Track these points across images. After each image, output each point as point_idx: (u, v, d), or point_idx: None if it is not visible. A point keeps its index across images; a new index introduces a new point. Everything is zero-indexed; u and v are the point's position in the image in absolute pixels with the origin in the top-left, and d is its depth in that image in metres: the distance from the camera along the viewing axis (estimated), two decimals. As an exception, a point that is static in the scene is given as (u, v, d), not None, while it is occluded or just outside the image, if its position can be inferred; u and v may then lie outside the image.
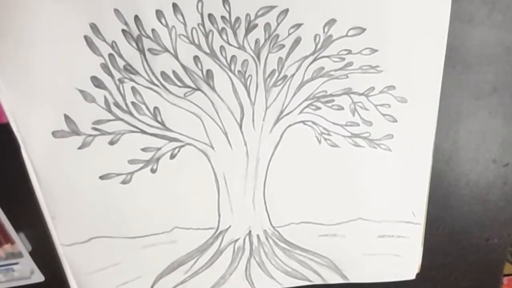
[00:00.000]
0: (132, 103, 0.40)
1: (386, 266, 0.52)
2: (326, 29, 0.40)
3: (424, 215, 0.50)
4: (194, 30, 0.39)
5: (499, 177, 0.52)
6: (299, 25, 0.40)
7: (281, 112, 0.43)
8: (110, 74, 0.39)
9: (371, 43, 0.41)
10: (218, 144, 0.43)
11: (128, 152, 0.42)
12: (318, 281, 0.52)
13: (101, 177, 0.42)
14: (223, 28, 0.39)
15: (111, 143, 0.41)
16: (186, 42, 0.39)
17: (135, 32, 0.37)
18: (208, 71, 0.40)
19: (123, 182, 0.42)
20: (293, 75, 0.42)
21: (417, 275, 0.53)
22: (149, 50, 0.38)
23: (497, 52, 0.45)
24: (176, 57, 0.39)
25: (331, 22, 0.40)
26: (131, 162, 0.42)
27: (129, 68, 0.39)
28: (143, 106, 0.40)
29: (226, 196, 0.46)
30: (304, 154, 0.45)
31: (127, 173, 0.42)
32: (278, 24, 0.39)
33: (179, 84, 0.40)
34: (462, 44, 0.45)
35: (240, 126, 0.43)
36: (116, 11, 0.37)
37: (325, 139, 0.45)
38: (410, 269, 0.53)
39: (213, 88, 0.41)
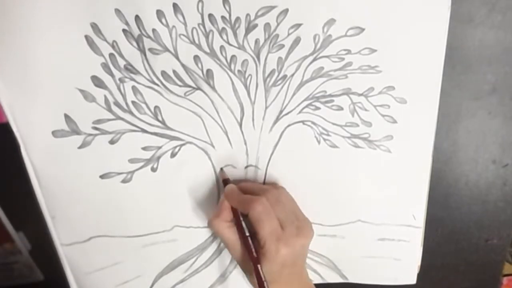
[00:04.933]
0: (133, 102, 0.40)
1: (385, 269, 0.52)
2: (325, 29, 0.40)
3: (424, 218, 0.50)
4: (194, 30, 0.39)
5: (498, 178, 0.52)
6: (298, 25, 0.40)
7: (281, 111, 0.43)
8: (111, 73, 0.39)
9: (370, 43, 0.41)
10: (219, 142, 0.43)
11: (129, 151, 0.42)
12: (317, 279, 0.52)
13: (102, 176, 0.42)
14: (223, 28, 0.39)
15: (112, 142, 0.41)
16: (187, 42, 0.39)
17: (136, 32, 0.38)
18: (208, 70, 0.40)
19: (124, 181, 0.42)
20: (292, 75, 0.42)
21: (417, 275, 0.53)
22: (150, 49, 0.38)
23: (497, 52, 0.46)
24: (177, 57, 0.39)
25: (331, 22, 0.40)
26: (132, 161, 0.42)
27: (129, 68, 0.39)
28: (143, 105, 0.40)
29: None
30: (303, 154, 0.45)
31: (127, 172, 0.42)
32: (278, 24, 0.39)
33: (179, 83, 0.40)
34: (462, 45, 0.45)
35: (240, 125, 0.43)
36: (117, 11, 0.37)
37: (325, 140, 0.45)
38: (410, 274, 0.53)
39: (213, 88, 0.41)
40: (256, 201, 0.39)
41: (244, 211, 0.40)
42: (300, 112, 0.44)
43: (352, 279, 0.52)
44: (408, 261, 0.52)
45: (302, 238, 0.41)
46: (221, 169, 0.45)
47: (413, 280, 0.53)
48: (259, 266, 0.39)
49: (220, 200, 0.43)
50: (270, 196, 0.41)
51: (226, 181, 0.44)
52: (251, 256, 0.40)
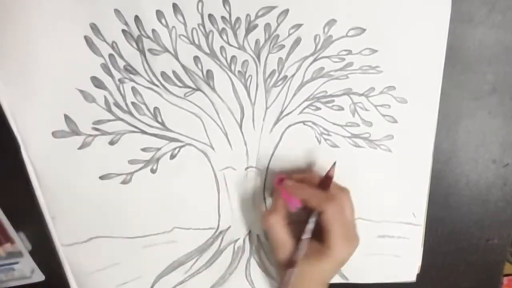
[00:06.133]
0: (132, 103, 0.40)
1: (386, 267, 0.52)
2: (326, 30, 0.40)
3: (424, 216, 0.50)
4: (194, 31, 0.39)
5: (499, 178, 0.52)
6: (299, 26, 0.40)
7: (281, 112, 0.43)
8: (110, 74, 0.39)
9: (371, 43, 0.41)
10: (218, 144, 0.43)
11: (128, 152, 0.42)
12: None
13: (101, 177, 0.42)
14: (223, 29, 0.39)
15: (111, 143, 0.41)
16: (186, 43, 0.39)
17: (136, 32, 0.38)
18: (208, 71, 0.40)
19: (123, 182, 0.42)
20: (293, 75, 0.42)
21: (417, 275, 0.53)
22: (149, 50, 0.38)
23: (497, 52, 0.45)
24: (176, 57, 0.39)
25: (331, 22, 0.40)
26: (131, 162, 0.42)
27: (129, 68, 0.39)
28: (143, 106, 0.40)
29: (226, 196, 0.46)
30: (304, 154, 0.45)
31: (127, 173, 0.42)
32: (278, 25, 0.39)
33: (179, 84, 0.40)
34: (462, 44, 0.45)
35: (240, 126, 0.43)
36: (117, 11, 0.37)
37: (325, 140, 0.45)
38: (410, 271, 0.53)
39: (213, 88, 0.41)
40: (333, 199, 0.39)
41: (316, 207, 0.39)
42: (300, 112, 0.43)
43: (352, 279, 0.52)
44: (408, 258, 0.52)
45: (358, 241, 0.41)
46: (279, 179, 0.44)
47: (413, 278, 0.53)
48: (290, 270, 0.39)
49: (275, 197, 0.42)
50: (344, 196, 0.41)
51: (280, 180, 0.43)
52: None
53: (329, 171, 0.43)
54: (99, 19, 0.37)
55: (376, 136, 0.46)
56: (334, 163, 0.43)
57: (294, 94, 0.43)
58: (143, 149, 0.42)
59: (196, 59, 0.40)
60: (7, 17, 0.35)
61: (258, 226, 0.48)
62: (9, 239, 0.46)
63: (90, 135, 0.40)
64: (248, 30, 0.39)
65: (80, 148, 0.40)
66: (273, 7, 0.39)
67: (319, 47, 0.41)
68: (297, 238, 0.40)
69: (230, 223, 0.47)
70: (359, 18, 0.40)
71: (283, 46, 0.40)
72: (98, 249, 0.44)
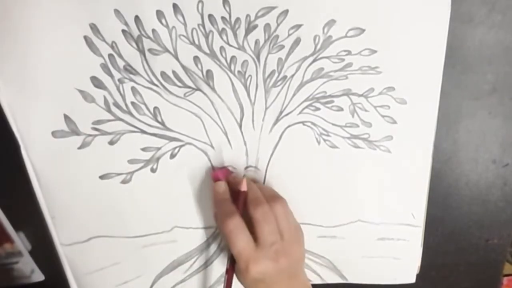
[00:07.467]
0: (132, 103, 0.40)
1: (385, 269, 0.52)
2: (325, 30, 0.40)
3: (423, 217, 0.50)
4: (194, 31, 0.39)
5: (498, 178, 0.52)
6: (298, 26, 0.40)
7: (281, 112, 0.43)
8: (110, 74, 0.39)
9: (370, 44, 0.41)
10: (218, 143, 0.43)
11: (128, 152, 0.42)
12: (317, 280, 0.52)
13: (101, 177, 0.42)
14: (223, 29, 0.39)
15: (111, 143, 0.41)
16: (186, 43, 0.39)
17: (135, 32, 0.38)
18: (208, 71, 0.40)
19: (123, 182, 0.42)
20: (292, 75, 0.42)
21: (417, 275, 0.53)
22: (149, 50, 0.38)
23: (497, 52, 0.45)
24: (176, 58, 0.39)
25: (331, 22, 0.40)
26: (131, 161, 0.42)
27: (129, 68, 0.39)
28: (143, 106, 0.40)
29: (226, 196, 0.46)
30: (303, 155, 0.45)
31: (127, 173, 0.42)
32: (278, 25, 0.39)
33: (179, 84, 0.40)
34: (462, 44, 0.45)
35: (240, 126, 0.43)
36: (117, 11, 0.37)
37: (325, 140, 0.45)
38: (409, 273, 0.53)
39: (213, 88, 0.41)
40: (229, 218, 0.38)
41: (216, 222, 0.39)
42: (300, 113, 0.43)
43: (351, 280, 0.52)
44: (408, 260, 0.52)
45: (278, 262, 0.38)
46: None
47: (412, 279, 0.53)
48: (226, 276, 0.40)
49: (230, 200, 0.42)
50: (259, 210, 0.39)
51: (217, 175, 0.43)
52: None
53: (241, 185, 0.41)
54: (99, 19, 0.37)
55: (376, 137, 0.46)
56: (244, 176, 0.43)
57: (294, 95, 0.43)
58: (143, 149, 0.42)
59: (196, 59, 0.40)
60: (7, 17, 0.35)
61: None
62: (9, 239, 0.46)
63: (90, 135, 0.40)
64: (248, 31, 0.39)
65: (80, 148, 0.40)
66: (273, 8, 0.39)
67: (318, 47, 0.41)
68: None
69: (230, 223, 0.47)
70: (359, 18, 0.40)
71: (282, 47, 0.40)
72: (98, 249, 0.44)
